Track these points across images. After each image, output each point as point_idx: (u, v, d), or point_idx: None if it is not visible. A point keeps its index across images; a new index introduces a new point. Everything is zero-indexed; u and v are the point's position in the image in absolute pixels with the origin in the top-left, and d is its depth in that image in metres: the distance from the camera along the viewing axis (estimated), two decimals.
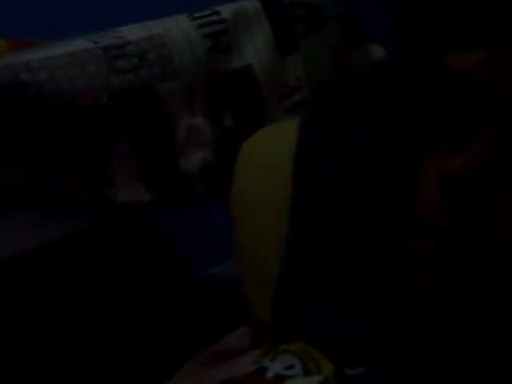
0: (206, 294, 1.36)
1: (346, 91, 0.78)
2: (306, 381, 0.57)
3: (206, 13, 0.99)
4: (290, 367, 0.58)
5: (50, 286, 1.20)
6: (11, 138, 0.87)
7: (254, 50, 1.00)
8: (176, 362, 0.87)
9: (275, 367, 0.58)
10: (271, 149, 0.91)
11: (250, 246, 0.87)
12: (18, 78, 0.85)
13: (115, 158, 0.92)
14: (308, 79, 1.02)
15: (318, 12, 1.03)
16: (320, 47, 1.03)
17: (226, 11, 1.00)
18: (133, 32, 0.96)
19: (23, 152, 0.88)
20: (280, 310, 0.71)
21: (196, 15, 0.99)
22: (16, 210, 0.90)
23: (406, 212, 0.63)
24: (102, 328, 1.23)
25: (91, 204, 0.92)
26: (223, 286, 1.22)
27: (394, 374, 0.54)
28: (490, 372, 0.51)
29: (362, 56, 1.05)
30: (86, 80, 0.89)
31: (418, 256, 0.59)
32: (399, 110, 0.71)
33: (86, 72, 0.90)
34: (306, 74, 1.02)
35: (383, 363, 0.56)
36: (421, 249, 0.58)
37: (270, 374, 0.58)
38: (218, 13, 0.99)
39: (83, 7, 1.35)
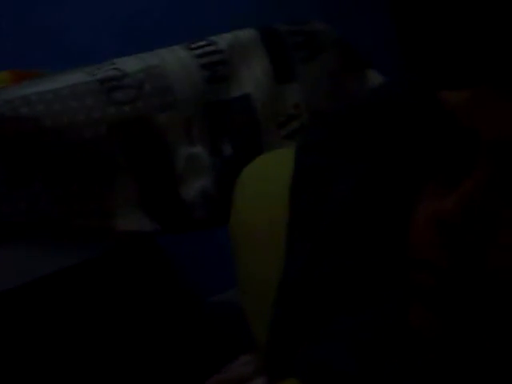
0: (210, 320, 1.36)
1: (341, 123, 0.78)
2: None
3: (203, 43, 1.00)
4: None
5: (65, 309, 1.22)
6: (16, 170, 0.88)
7: (252, 79, 1.00)
8: None
9: None
10: (269, 176, 0.91)
11: (249, 273, 0.87)
12: (18, 112, 0.87)
13: (116, 188, 0.93)
14: (307, 106, 1.03)
15: (316, 39, 1.04)
16: (318, 74, 1.04)
17: (222, 41, 1.01)
18: (130, 64, 0.97)
19: (28, 183, 0.89)
20: (275, 341, 0.71)
21: (193, 46, 1.00)
22: (20, 241, 0.91)
23: (399, 244, 0.63)
24: (109, 352, 1.23)
25: (92, 233, 0.93)
26: (228, 313, 1.22)
27: None
28: None
29: (359, 82, 1.05)
30: (86, 112, 0.90)
31: (417, 291, 0.59)
32: (392, 144, 0.71)
33: (84, 105, 0.91)
34: (305, 100, 1.03)
35: None
36: (419, 284, 0.59)
37: None
38: (214, 43, 1.00)
39: (82, 39, 1.37)
